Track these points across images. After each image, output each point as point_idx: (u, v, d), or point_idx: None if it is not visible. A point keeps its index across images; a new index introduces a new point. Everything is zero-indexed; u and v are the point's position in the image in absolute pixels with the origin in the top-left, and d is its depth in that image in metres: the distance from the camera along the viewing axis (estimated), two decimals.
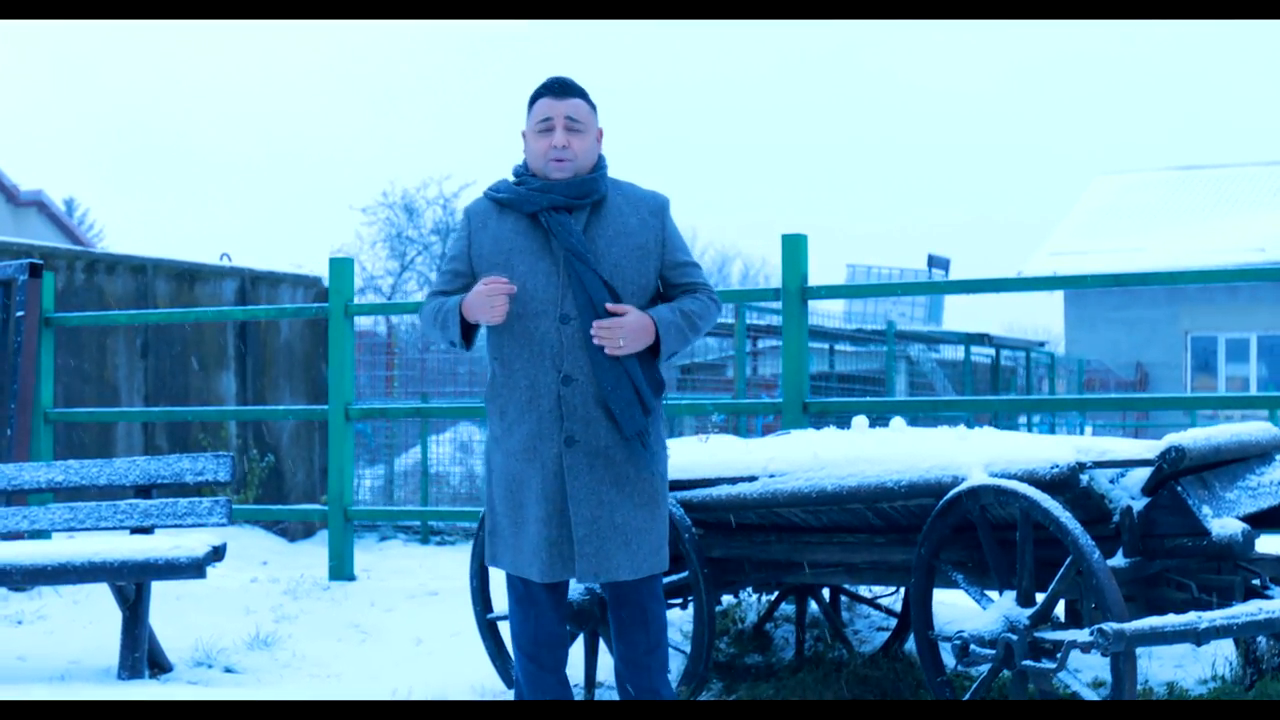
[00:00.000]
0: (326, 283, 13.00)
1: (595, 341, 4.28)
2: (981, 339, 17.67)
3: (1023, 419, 17.53)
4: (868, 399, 8.69)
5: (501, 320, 4.28)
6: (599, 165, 4.45)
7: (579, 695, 5.15)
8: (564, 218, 4.33)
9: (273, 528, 11.67)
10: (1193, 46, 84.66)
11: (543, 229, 4.36)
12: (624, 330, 4.27)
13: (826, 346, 16.31)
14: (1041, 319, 49.78)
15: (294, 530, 11.92)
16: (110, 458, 10.29)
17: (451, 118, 74.51)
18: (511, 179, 4.48)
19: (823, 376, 15.20)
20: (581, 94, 4.43)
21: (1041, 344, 21.10)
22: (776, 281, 6.95)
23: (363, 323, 18.35)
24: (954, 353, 18.53)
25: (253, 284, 11.90)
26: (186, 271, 11.41)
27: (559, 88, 4.41)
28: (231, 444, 11.55)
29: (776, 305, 13.03)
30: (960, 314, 21.48)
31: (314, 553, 11.15)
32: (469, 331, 4.40)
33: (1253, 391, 26.18)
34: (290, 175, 70.57)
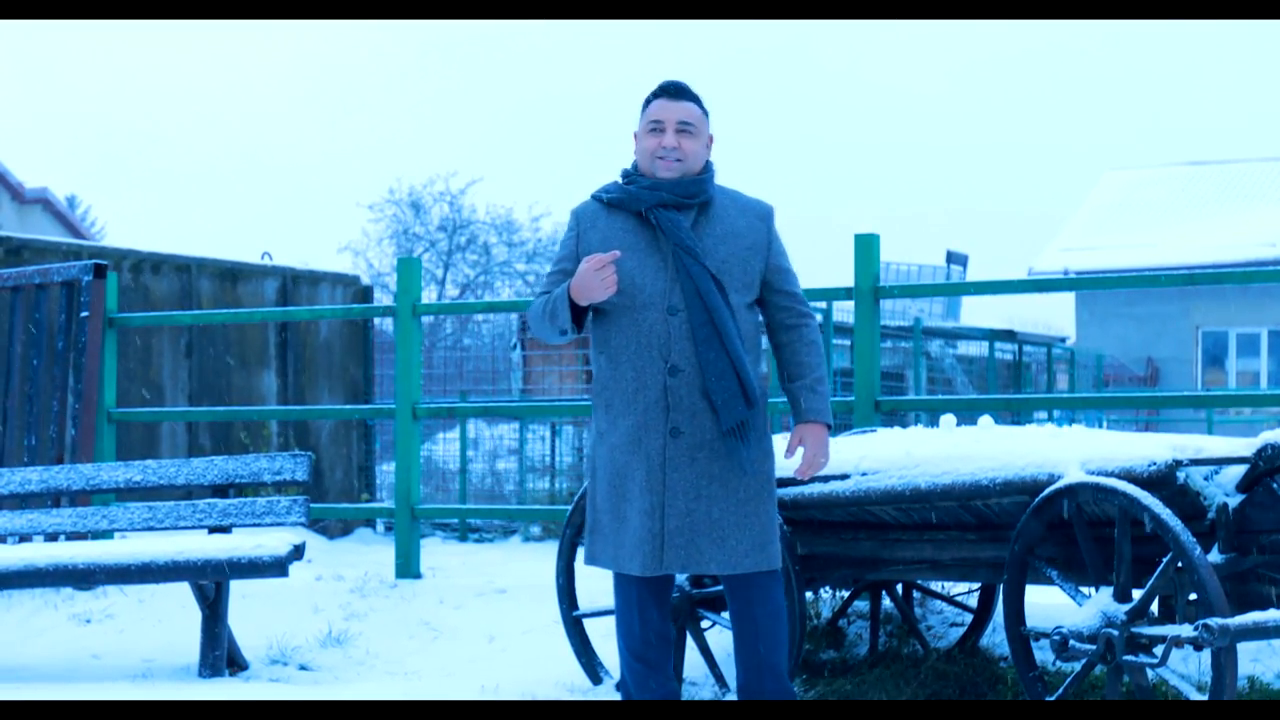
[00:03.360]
0: (364, 282, 13.16)
1: (807, 477, 4.53)
2: (1006, 335, 17.72)
3: (1042, 414, 17.59)
4: (938, 397, 8.73)
5: (614, 290, 4.32)
6: (707, 169, 4.55)
7: None
8: (672, 214, 4.42)
9: (312, 526, 11.71)
10: (1202, 42, 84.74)
11: (651, 227, 4.45)
12: (822, 455, 4.50)
13: (848, 343, 16.35)
14: (1047, 314, 49.78)
15: (332, 528, 11.97)
16: (156, 457, 10.38)
17: (459, 114, 74.48)
18: (620, 180, 4.57)
19: (846, 373, 15.24)
20: (695, 99, 4.53)
21: (1063, 340, 21.16)
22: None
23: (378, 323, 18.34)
24: (970, 348, 18.57)
25: (294, 283, 11.95)
26: (229, 271, 11.45)
27: (674, 90, 4.52)
28: (273, 443, 11.60)
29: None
30: (971, 310, 21.58)
31: (354, 550, 11.22)
32: (579, 317, 4.43)
33: (1263, 385, 26.26)
34: (294, 172, 70.50)
